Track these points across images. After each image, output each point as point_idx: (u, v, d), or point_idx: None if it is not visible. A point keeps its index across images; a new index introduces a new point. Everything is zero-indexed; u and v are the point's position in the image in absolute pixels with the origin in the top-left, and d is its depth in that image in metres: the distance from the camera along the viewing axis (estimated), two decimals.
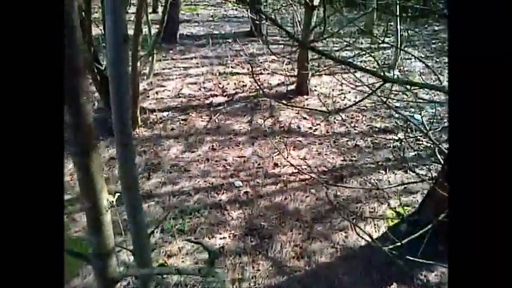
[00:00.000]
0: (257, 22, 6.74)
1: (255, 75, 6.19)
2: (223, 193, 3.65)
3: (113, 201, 0.98)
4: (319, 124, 4.83)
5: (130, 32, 3.79)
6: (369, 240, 2.31)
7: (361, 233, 2.72)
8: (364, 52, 5.87)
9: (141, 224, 1.63)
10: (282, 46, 7.16)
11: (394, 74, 5.99)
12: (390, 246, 1.59)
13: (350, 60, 5.13)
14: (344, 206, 3.44)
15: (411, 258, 1.61)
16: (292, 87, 5.72)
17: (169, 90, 5.62)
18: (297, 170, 3.92)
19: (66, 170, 3.85)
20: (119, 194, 0.99)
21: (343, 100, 5.43)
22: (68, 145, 0.82)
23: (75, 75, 0.73)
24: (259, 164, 4.07)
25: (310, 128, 4.76)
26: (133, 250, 1.57)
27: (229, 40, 7.91)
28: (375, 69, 5.25)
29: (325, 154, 4.25)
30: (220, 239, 3.14)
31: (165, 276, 2.79)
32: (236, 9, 10.78)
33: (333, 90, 5.67)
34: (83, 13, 3.76)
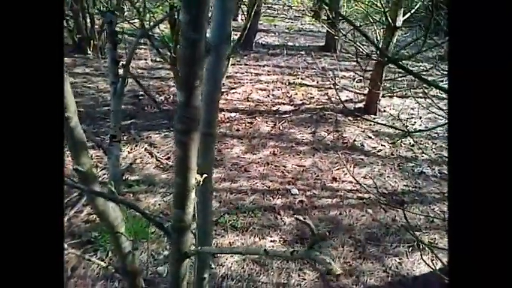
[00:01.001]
0: (336, 37, 6.75)
1: (323, 89, 6.20)
2: (278, 198, 3.70)
3: (200, 181, 1.08)
4: (384, 145, 4.71)
5: None
6: (431, 268, 2.21)
7: (425, 256, 2.60)
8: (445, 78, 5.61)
9: (208, 211, 1.75)
10: (355, 64, 7.09)
11: None
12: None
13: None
14: (402, 231, 3.31)
15: None
16: (361, 105, 5.64)
17: (239, 93, 5.84)
18: (355, 188, 3.87)
19: (135, 153, 4.18)
20: (206, 175, 1.09)
21: (413, 125, 5.23)
22: (175, 122, 0.93)
23: (194, 59, 0.84)
24: (317, 176, 4.07)
25: (375, 147, 4.66)
26: (197, 233, 1.69)
27: (302, 52, 8.01)
28: None
29: (387, 176, 4.13)
30: (271, 241, 3.19)
31: (213, 265, 2.91)
32: (312, 24, 10.86)
33: (402, 113, 5.49)
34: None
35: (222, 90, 5.81)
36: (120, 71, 2.55)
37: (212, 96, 1.38)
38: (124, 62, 2.03)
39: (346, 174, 4.09)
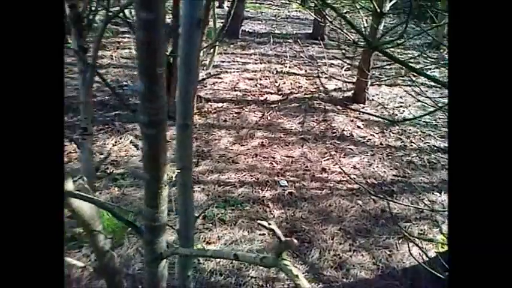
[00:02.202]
0: (323, 25, 6.64)
1: (311, 78, 6.11)
2: (267, 190, 3.63)
3: (172, 177, 0.99)
4: (373, 135, 4.66)
5: None
6: (418, 261, 2.17)
7: (413, 250, 2.56)
8: (432, 65, 5.57)
9: (189, 205, 1.65)
10: (342, 52, 7.01)
11: None
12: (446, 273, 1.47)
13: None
14: (391, 222, 3.27)
15: None
16: (349, 94, 5.57)
17: (226, 83, 5.71)
18: (345, 178, 3.81)
19: (121, 146, 4.05)
20: (178, 171, 1.00)
21: (402, 113, 5.19)
22: (139, 115, 0.83)
23: (152, 43, 0.73)
24: (306, 167, 4.00)
25: (364, 137, 4.60)
26: (178, 230, 1.60)
27: (290, 40, 7.89)
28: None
29: (377, 166, 4.08)
30: (260, 235, 3.12)
31: (202, 261, 2.83)
32: (300, 11, 10.73)
33: (391, 102, 5.44)
34: None
35: (210, 80, 5.67)
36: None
37: (186, 87, 1.28)
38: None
39: (335, 164, 4.03)
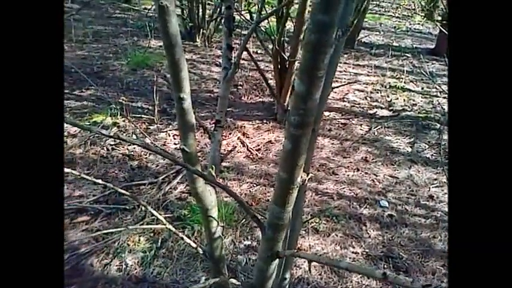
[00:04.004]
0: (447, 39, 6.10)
1: (428, 96, 5.66)
2: (365, 208, 3.48)
3: (305, 180, 1.01)
4: None
5: None
6: None
7: None
8: None
9: (300, 210, 1.68)
10: None
11: None
12: None
13: None
14: None
15: None
16: None
17: (335, 92, 5.64)
18: None
19: (229, 141, 4.30)
20: (312, 175, 1.02)
21: None
22: (290, 114, 0.87)
23: (321, 45, 0.76)
24: (412, 191, 3.73)
25: None
26: (287, 233, 1.64)
27: (408, 54, 7.43)
28: None
29: None
30: (352, 252, 3.02)
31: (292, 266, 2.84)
32: (422, 24, 10.04)
33: None
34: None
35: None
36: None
37: (322, 92, 1.30)
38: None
39: (445, 193, 3.68)
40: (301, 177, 1.00)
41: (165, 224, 1.54)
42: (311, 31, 0.76)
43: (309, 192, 3.63)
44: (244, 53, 6.92)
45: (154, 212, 1.62)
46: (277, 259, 1.19)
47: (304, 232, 3.16)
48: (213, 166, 1.40)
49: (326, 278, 2.77)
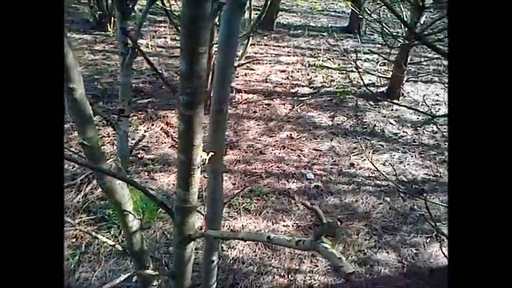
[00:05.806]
0: (360, 17, 6.48)
1: (344, 72, 6.00)
2: (293, 182, 3.63)
3: (205, 159, 1.01)
4: (406, 132, 4.53)
5: None
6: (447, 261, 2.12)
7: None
8: None
9: (218, 191, 1.68)
10: (379, 46, 6.82)
11: None
12: None
13: None
14: (420, 221, 3.19)
15: None
16: (383, 89, 5.43)
17: (258, 74, 5.72)
18: (373, 175, 3.75)
19: (152, 132, 4.16)
20: (212, 153, 1.02)
21: (438, 111, 5.01)
22: (178, 94, 0.86)
23: (197, 20, 0.75)
24: (334, 161, 3.97)
25: (396, 134, 4.49)
26: (206, 215, 1.64)
27: (325, 34, 7.76)
28: None
29: (408, 164, 3.98)
30: (283, 226, 3.14)
31: (225, 248, 2.88)
32: (336, 3, 10.51)
33: (427, 99, 5.26)
34: None
35: (242, 71, 5.69)
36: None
37: (224, 72, 1.29)
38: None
39: (364, 160, 3.97)
40: (201, 156, 1.00)
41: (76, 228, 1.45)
42: (185, 5, 0.75)
43: (238, 174, 3.68)
44: (162, 39, 6.60)
45: (69, 219, 1.51)
46: (191, 242, 1.19)
47: (236, 213, 3.21)
48: (119, 159, 1.34)
49: (260, 253, 2.86)
